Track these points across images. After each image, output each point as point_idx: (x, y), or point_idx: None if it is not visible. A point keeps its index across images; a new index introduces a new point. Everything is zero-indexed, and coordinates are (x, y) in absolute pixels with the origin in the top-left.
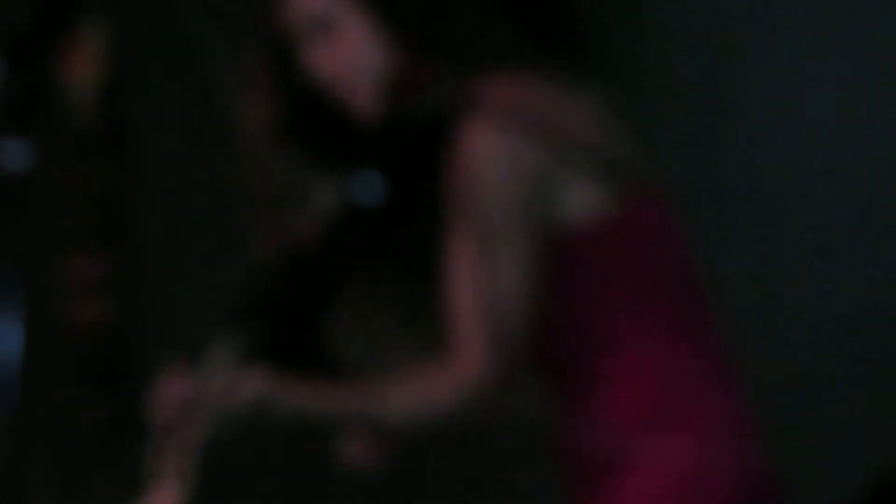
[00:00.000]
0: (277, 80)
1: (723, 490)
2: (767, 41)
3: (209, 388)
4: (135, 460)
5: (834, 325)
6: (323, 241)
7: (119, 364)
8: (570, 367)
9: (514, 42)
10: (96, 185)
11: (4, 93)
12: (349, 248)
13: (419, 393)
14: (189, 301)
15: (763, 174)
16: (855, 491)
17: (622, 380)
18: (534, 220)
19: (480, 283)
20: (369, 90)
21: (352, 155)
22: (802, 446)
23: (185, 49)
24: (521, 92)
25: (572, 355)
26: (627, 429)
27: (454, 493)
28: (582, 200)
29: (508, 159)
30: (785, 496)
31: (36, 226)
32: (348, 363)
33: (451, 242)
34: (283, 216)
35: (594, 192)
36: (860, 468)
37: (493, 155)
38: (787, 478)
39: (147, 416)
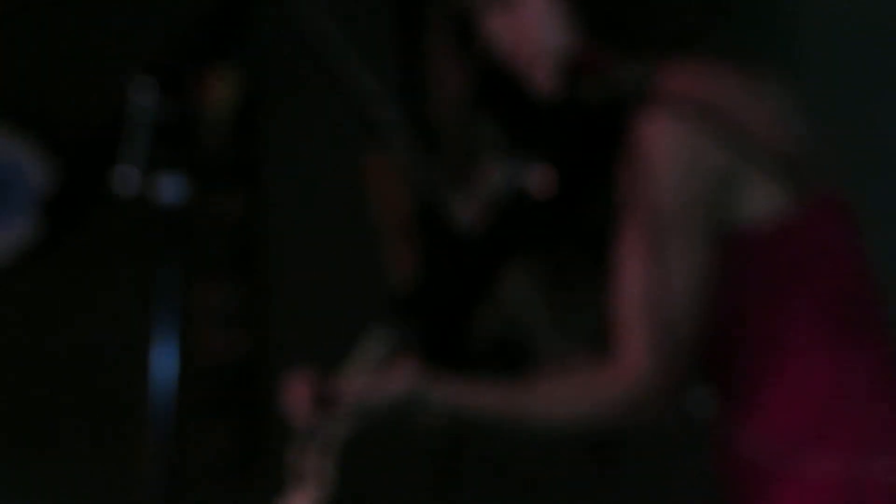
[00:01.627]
0: (463, 50)
1: None
2: None
3: (357, 383)
4: (263, 494)
5: None
6: (487, 228)
7: (252, 396)
8: (734, 371)
9: (700, 29)
10: (229, 215)
11: (157, 122)
12: (513, 235)
13: (578, 395)
14: (323, 332)
15: None
16: None
17: (787, 388)
18: (709, 219)
19: (650, 282)
20: (547, 66)
21: (529, 132)
22: None
23: (317, 81)
24: (705, 83)
25: (737, 359)
26: (789, 439)
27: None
28: (760, 200)
29: (688, 153)
30: None
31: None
32: (507, 353)
33: (623, 235)
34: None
35: (773, 193)
36: None
37: (672, 148)
38: None
39: (286, 423)
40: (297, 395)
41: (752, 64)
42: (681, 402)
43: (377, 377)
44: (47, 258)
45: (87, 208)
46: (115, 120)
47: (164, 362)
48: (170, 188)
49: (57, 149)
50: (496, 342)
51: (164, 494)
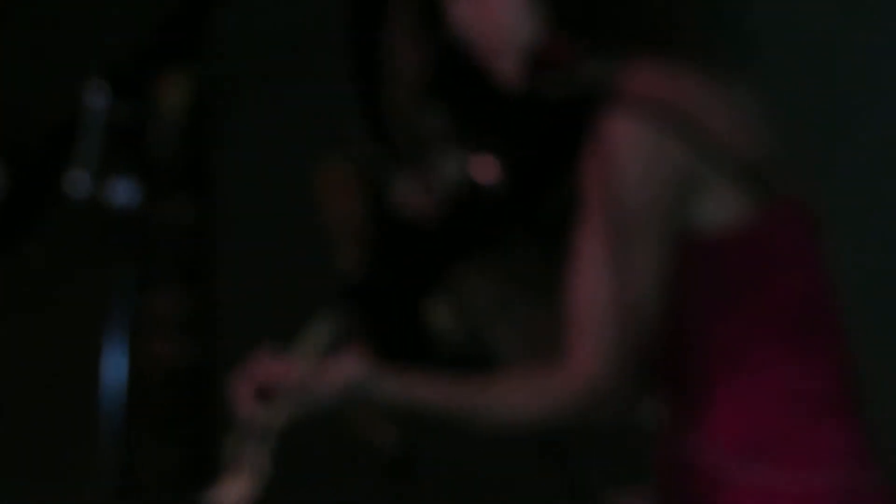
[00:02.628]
0: (425, 35)
1: None
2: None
3: (299, 371)
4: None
5: None
6: (439, 219)
7: (200, 401)
8: (686, 378)
9: (667, 28)
10: (179, 221)
11: (110, 126)
12: (465, 227)
13: (530, 395)
14: (270, 338)
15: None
16: None
17: (739, 398)
18: (669, 222)
19: (606, 282)
20: (512, 56)
21: (487, 123)
22: None
23: (266, 93)
24: (670, 83)
25: (692, 366)
26: (737, 449)
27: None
28: (721, 205)
29: (650, 154)
30: None
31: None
32: (454, 345)
33: (582, 231)
34: (411, 185)
35: (733, 198)
36: None
37: (634, 147)
38: None
39: (230, 409)
40: (242, 384)
41: (717, 66)
42: (633, 406)
43: (321, 366)
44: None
45: (38, 212)
46: (68, 123)
47: (114, 367)
48: (122, 192)
49: (9, 152)
50: (449, 339)
51: (115, 497)
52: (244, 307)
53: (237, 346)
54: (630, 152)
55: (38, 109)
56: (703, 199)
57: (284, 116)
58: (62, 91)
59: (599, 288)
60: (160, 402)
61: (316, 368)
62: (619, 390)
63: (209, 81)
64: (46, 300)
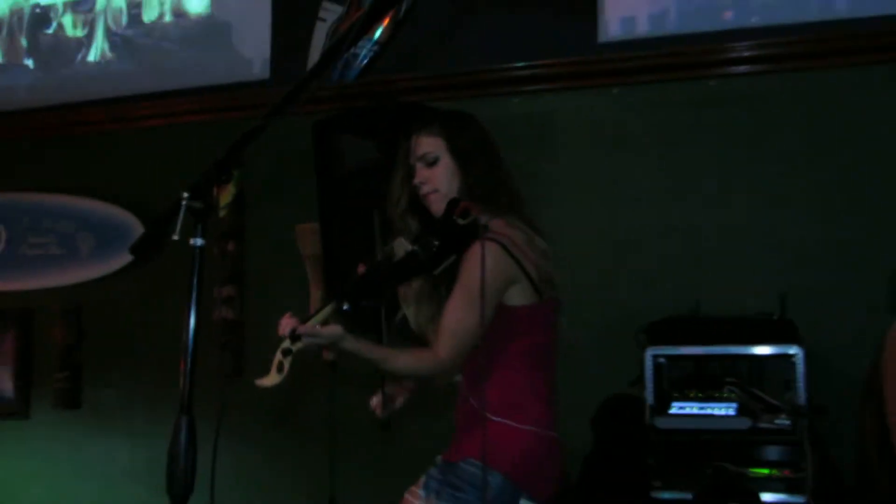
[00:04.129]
0: (406, 183)
1: (539, 445)
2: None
3: (313, 324)
4: (244, 390)
5: None
6: (395, 266)
7: (237, 342)
8: (480, 369)
9: (514, 200)
10: (229, 252)
11: (189, 210)
12: (407, 272)
13: (414, 362)
14: (278, 312)
15: None
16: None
17: (502, 383)
18: (496, 296)
19: (460, 316)
20: (442, 200)
21: (428, 230)
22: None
23: (279, 185)
24: (512, 228)
25: (484, 364)
26: (496, 406)
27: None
28: (521, 294)
29: (495, 262)
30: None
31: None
32: (398, 326)
33: (456, 287)
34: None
35: (529, 293)
36: None
37: (489, 257)
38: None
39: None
40: (284, 321)
41: (531, 221)
42: (453, 376)
43: (323, 325)
44: (140, 273)
45: (159, 249)
46: (172, 209)
47: (192, 324)
48: (196, 241)
49: (144, 221)
50: (396, 319)
51: (190, 387)
52: (262, 293)
53: (258, 313)
54: (486, 258)
55: (159, 203)
56: (514, 289)
57: (283, 202)
58: (170, 194)
59: (457, 318)
60: (217, 339)
61: (320, 325)
62: (453, 369)
63: (247, 181)
64: (162, 290)
